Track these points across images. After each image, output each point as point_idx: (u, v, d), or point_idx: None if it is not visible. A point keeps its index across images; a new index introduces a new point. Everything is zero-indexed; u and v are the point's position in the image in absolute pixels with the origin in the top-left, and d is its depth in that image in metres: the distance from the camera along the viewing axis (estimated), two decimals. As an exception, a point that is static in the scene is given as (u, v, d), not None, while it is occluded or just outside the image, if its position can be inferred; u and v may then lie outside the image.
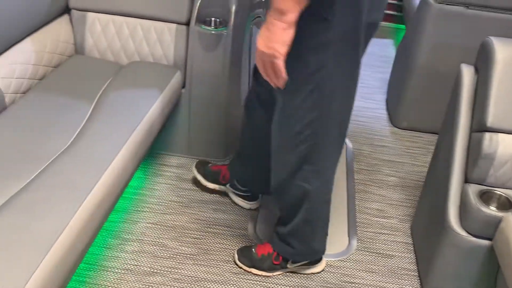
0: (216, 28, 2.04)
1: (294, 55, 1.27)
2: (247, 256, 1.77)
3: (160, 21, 2.07)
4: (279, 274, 1.76)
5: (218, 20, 2.07)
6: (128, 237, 1.85)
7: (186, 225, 1.93)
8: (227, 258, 1.80)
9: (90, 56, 2.14)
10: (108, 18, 2.09)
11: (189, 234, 1.89)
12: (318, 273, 1.78)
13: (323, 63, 1.32)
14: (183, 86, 2.14)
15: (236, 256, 1.78)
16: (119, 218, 1.92)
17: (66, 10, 2.12)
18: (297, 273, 1.77)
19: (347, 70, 1.38)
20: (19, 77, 1.79)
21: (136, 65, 2.07)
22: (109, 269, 1.71)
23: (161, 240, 1.85)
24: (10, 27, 1.74)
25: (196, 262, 1.78)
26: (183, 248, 1.82)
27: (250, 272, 1.76)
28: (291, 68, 1.29)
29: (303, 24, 1.22)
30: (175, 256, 1.79)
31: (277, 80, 1.29)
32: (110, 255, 1.76)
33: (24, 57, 1.83)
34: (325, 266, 1.80)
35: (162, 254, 1.79)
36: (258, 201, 2.04)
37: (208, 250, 1.83)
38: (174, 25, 2.07)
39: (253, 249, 1.78)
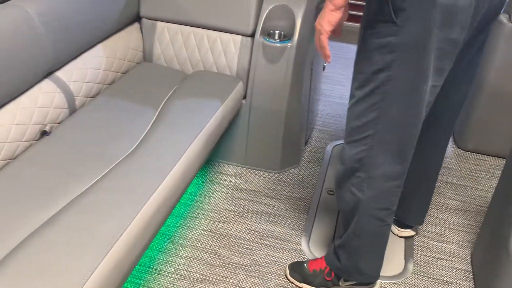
0: (280, 40, 2.05)
1: (363, 52, 1.39)
2: (298, 271, 1.76)
3: (226, 32, 2.11)
4: (330, 292, 1.73)
5: (282, 33, 2.08)
6: (183, 242, 1.88)
7: (239, 234, 1.94)
8: (279, 272, 1.80)
9: (157, 63, 2.21)
10: (177, 27, 2.16)
11: (242, 244, 1.90)
12: (370, 295, 1.75)
13: (387, 65, 1.36)
14: (244, 97, 2.17)
15: (287, 270, 1.77)
16: (175, 223, 1.96)
17: (137, 18, 2.20)
18: (349, 292, 1.73)
19: (410, 79, 1.37)
20: (90, 82, 1.87)
21: (201, 75, 2.11)
22: (163, 273, 1.75)
23: (214, 248, 1.87)
24: (84, 33, 1.83)
25: (247, 273, 1.78)
26: (235, 257, 1.84)
27: (301, 287, 1.74)
28: (360, 64, 1.42)
29: (375, 24, 1.33)
30: (227, 265, 1.80)
31: (322, 54, 1.42)
32: (165, 259, 1.80)
33: (95, 62, 1.91)
34: (378, 289, 1.76)
35: (214, 262, 1.81)
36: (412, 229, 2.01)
37: (260, 262, 1.83)
38: (239, 37, 2.10)
39: (305, 264, 1.76)
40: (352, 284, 1.71)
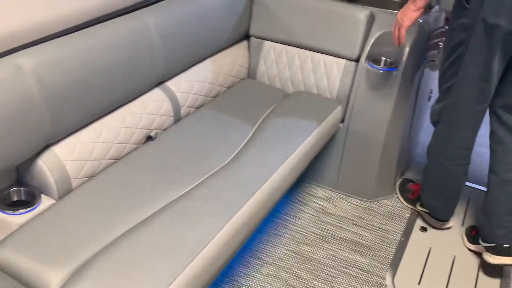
0: (385, 68, 2.02)
1: (448, 31, 1.80)
2: (380, 306, 1.73)
3: (330, 55, 2.12)
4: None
5: (388, 60, 2.05)
6: (265, 259, 1.89)
7: (322, 259, 1.91)
8: (359, 303, 1.75)
9: (260, 81, 2.27)
10: (282, 47, 2.20)
11: (324, 270, 1.87)
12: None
13: (462, 41, 1.69)
14: (342, 121, 2.15)
15: (368, 303, 1.75)
16: (260, 239, 1.98)
17: (246, 37, 2.28)
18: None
19: (476, 57, 1.65)
20: (196, 93, 1.97)
21: (301, 95, 2.13)
22: (243, 287, 1.77)
23: (296, 270, 1.86)
24: (196, 48, 1.93)
25: (326, 299, 1.75)
26: (316, 282, 1.81)
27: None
28: (445, 41, 1.84)
29: (455, 8, 1.72)
30: (307, 288, 1.79)
31: (396, 42, 1.85)
32: (246, 273, 1.83)
33: (203, 75, 2.01)
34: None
35: (295, 284, 1.80)
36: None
37: (341, 290, 1.79)
38: (343, 61, 2.10)
39: (387, 300, 1.73)
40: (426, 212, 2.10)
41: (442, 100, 1.88)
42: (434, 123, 1.95)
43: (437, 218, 2.08)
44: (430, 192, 2.04)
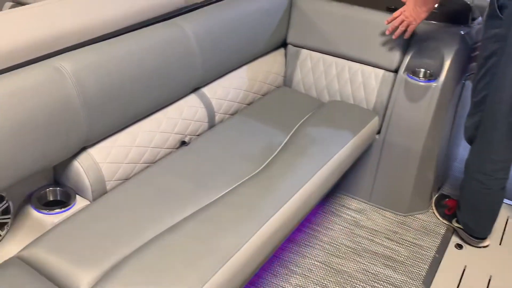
0: (425, 80, 1.97)
1: (481, 42, 1.79)
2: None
3: (368, 65, 2.09)
4: None
5: (428, 71, 2.00)
6: (294, 269, 1.87)
7: (353, 273, 1.88)
8: (389, 320, 1.70)
9: (295, 89, 2.26)
10: (319, 56, 2.19)
11: (355, 284, 1.83)
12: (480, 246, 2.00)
13: (494, 52, 1.69)
14: (378, 132, 2.11)
15: (399, 320, 1.70)
16: (290, 248, 1.96)
17: (283, 44, 2.28)
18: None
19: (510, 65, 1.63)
20: (231, 100, 1.97)
21: (336, 105, 2.11)
22: (271, 296, 1.76)
23: (325, 282, 1.83)
24: (232, 55, 1.94)
25: (356, 314, 1.71)
26: (345, 295, 1.78)
27: None
28: (479, 51, 1.82)
29: (487, 19, 1.72)
30: (336, 301, 1.76)
31: (397, 33, 1.93)
32: (275, 282, 1.81)
33: (238, 82, 2.01)
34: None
35: (323, 295, 1.78)
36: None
37: (371, 305, 1.75)
38: (381, 71, 2.06)
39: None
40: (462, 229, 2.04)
41: (475, 114, 1.85)
42: (470, 138, 1.92)
43: (474, 236, 2.02)
44: (466, 209, 1.99)
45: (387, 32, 1.98)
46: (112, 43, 1.50)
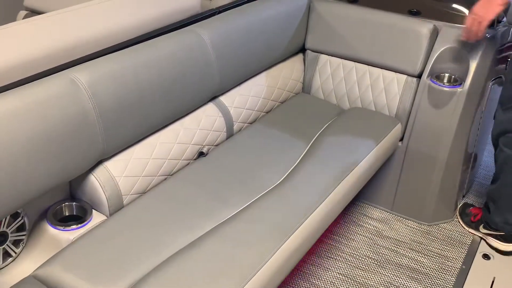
0: (449, 85, 1.90)
1: None
2: None
3: (390, 70, 2.02)
4: None
5: (453, 76, 1.93)
6: (317, 282, 1.81)
7: (377, 286, 1.81)
8: (417, 337, 1.63)
9: (315, 96, 2.20)
10: (339, 61, 2.12)
11: (379, 297, 1.77)
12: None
13: None
14: (401, 139, 2.05)
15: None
16: (311, 261, 1.90)
17: (301, 50, 2.22)
18: None
19: None
20: (249, 108, 1.92)
21: (357, 112, 2.05)
22: (293, 311, 1.70)
23: (348, 295, 1.77)
24: (250, 62, 1.89)
25: (381, 330, 1.65)
26: (370, 310, 1.72)
27: None
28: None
29: None
30: (360, 316, 1.69)
31: (473, 37, 1.77)
32: (296, 296, 1.76)
33: (257, 90, 1.96)
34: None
35: (347, 310, 1.71)
36: None
37: (397, 320, 1.69)
38: (404, 76, 2.00)
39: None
40: (494, 234, 1.95)
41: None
42: (503, 132, 1.84)
43: (503, 238, 1.95)
44: (507, 207, 1.90)
45: (462, 39, 1.84)
46: (127, 52, 1.45)
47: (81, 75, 1.31)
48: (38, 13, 1.76)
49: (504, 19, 2.12)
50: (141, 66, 1.45)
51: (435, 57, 1.94)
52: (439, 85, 1.91)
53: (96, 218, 1.40)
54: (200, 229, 1.37)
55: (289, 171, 1.66)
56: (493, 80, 2.05)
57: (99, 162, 1.41)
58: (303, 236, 1.43)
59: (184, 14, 1.82)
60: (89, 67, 1.34)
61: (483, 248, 2.01)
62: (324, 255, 1.93)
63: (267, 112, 2.03)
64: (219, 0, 2.31)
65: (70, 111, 1.27)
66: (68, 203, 1.41)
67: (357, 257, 1.93)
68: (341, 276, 1.84)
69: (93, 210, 1.41)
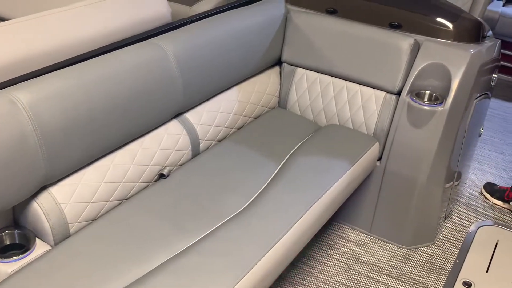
0: (430, 103, 1.80)
1: None
2: None
3: (368, 86, 1.92)
4: None
5: (434, 94, 1.84)
6: (286, 312, 1.71)
7: (350, 316, 1.71)
8: None
9: (291, 111, 2.09)
10: (316, 75, 2.02)
11: (351, 329, 1.67)
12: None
13: None
14: (379, 159, 1.95)
15: None
16: (282, 287, 1.80)
17: (277, 63, 2.12)
18: None
19: None
20: (218, 125, 1.81)
21: (334, 129, 1.94)
22: None
23: (319, 327, 1.67)
24: (220, 76, 1.78)
25: None
26: None
27: None
28: None
29: None
30: None
31: None
32: (262, 328, 1.65)
33: (227, 106, 1.85)
34: None
35: None
36: None
37: None
38: (382, 93, 1.90)
39: None
40: None
41: None
42: None
43: None
44: None
45: None
46: (77, 68, 1.34)
47: (21, 95, 1.20)
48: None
49: (490, 32, 2.03)
50: (94, 83, 1.34)
51: (415, 73, 1.84)
52: (419, 103, 1.81)
53: (40, 247, 1.28)
54: (151, 262, 1.27)
55: (256, 195, 1.55)
56: (478, 97, 1.95)
57: (44, 188, 1.30)
58: (267, 267, 1.32)
59: (152, 24, 1.72)
60: (31, 86, 1.23)
61: (464, 274, 1.91)
62: (296, 281, 1.83)
63: (238, 129, 1.93)
64: (201, 6, 2.20)
65: (8, 134, 1.16)
66: (10, 231, 1.30)
67: (331, 284, 1.83)
68: (312, 305, 1.74)
69: (37, 239, 1.30)
